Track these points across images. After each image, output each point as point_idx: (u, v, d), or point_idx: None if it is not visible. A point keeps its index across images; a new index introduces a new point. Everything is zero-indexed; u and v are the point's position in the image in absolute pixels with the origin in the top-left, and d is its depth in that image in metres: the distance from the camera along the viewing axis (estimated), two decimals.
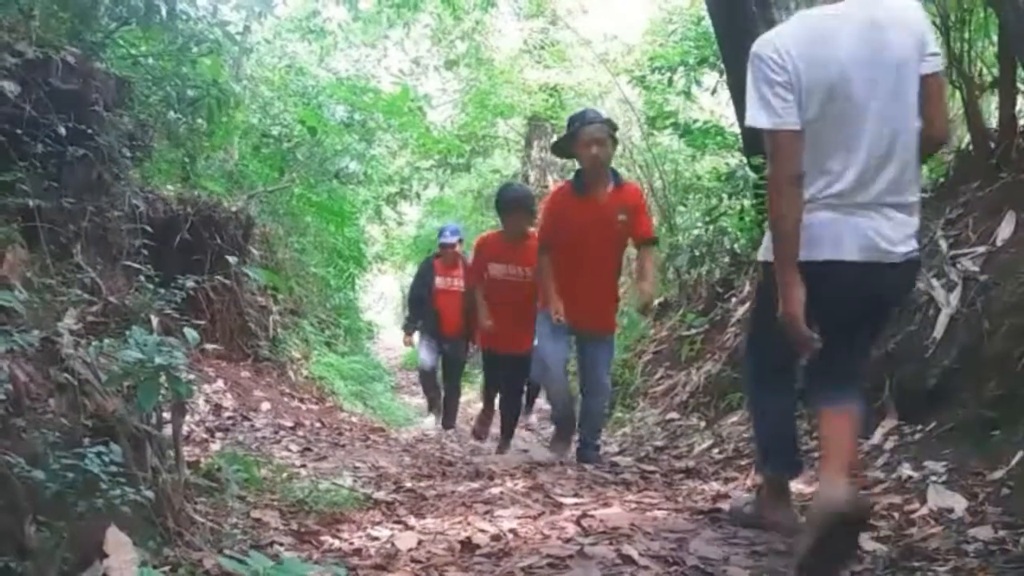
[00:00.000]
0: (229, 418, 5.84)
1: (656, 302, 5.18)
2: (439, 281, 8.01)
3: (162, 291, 3.52)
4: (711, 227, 7.77)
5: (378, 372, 11.96)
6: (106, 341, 2.50)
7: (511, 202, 5.79)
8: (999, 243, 4.03)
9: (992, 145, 4.66)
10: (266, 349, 7.29)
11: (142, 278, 3.52)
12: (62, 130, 3.60)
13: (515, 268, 5.77)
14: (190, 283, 3.33)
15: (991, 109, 5.12)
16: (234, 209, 6.90)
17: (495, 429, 6.67)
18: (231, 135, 7.31)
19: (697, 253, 7.90)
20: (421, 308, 8.09)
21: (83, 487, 2.04)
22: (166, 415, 2.75)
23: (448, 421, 8.03)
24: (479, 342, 6.10)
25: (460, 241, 8.11)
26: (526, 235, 5.70)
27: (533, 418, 8.23)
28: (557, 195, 5.26)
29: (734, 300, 6.74)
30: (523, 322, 5.55)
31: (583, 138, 4.82)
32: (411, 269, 22.87)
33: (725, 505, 3.46)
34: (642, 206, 5.22)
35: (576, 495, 3.86)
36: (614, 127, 5.06)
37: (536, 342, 5.21)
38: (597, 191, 4.91)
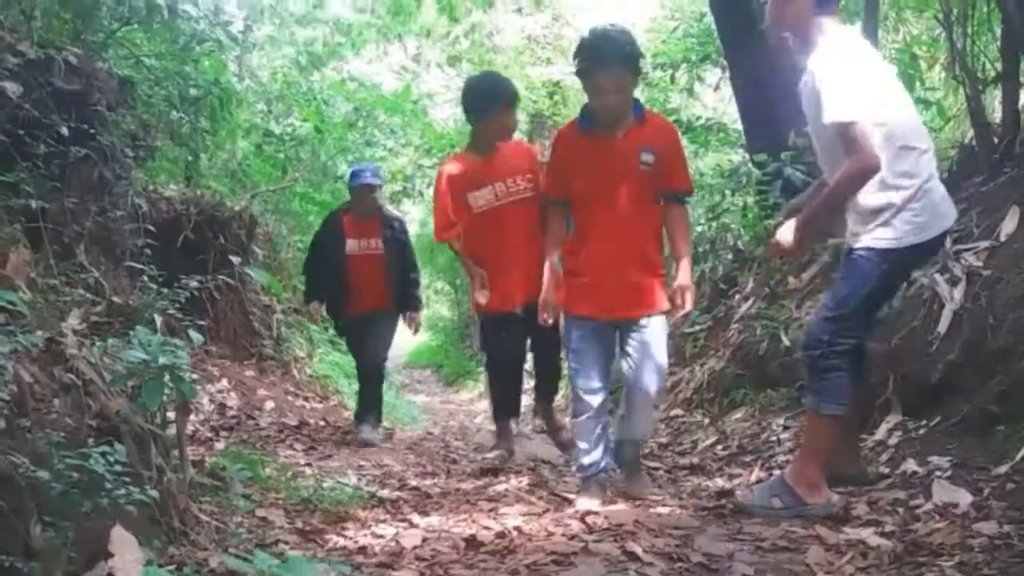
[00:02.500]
0: (233, 417, 5.86)
1: (689, 297, 3.73)
2: (352, 245, 5.92)
3: (166, 291, 3.52)
4: (714, 224, 7.74)
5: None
6: (110, 341, 2.50)
7: (490, 96, 4.43)
8: (1003, 238, 4.02)
9: (995, 140, 4.66)
10: (270, 348, 7.31)
11: (145, 278, 3.52)
12: (64, 130, 3.60)
13: (503, 185, 4.39)
14: (194, 283, 3.34)
15: (994, 104, 5.11)
16: (237, 208, 6.91)
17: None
18: (234, 134, 7.31)
19: (700, 250, 7.86)
20: (324, 281, 6.02)
21: (88, 487, 2.05)
22: (170, 414, 2.76)
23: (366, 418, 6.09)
24: (486, 306, 4.48)
25: (380, 187, 6.27)
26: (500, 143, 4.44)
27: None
28: (560, 135, 4.06)
29: (737, 297, 6.72)
30: (536, 260, 4.06)
31: (594, 82, 3.71)
32: None
33: (738, 492, 3.49)
34: (675, 145, 3.89)
35: (578, 490, 3.86)
36: (637, 60, 3.76)
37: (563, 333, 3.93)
38: (610, 126, 3.73)
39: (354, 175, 6.10)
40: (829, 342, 3.08)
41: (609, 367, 3.85)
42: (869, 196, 3.03)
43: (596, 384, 3.74)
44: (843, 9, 3.58)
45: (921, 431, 3.76)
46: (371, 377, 6.30)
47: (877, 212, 3.03)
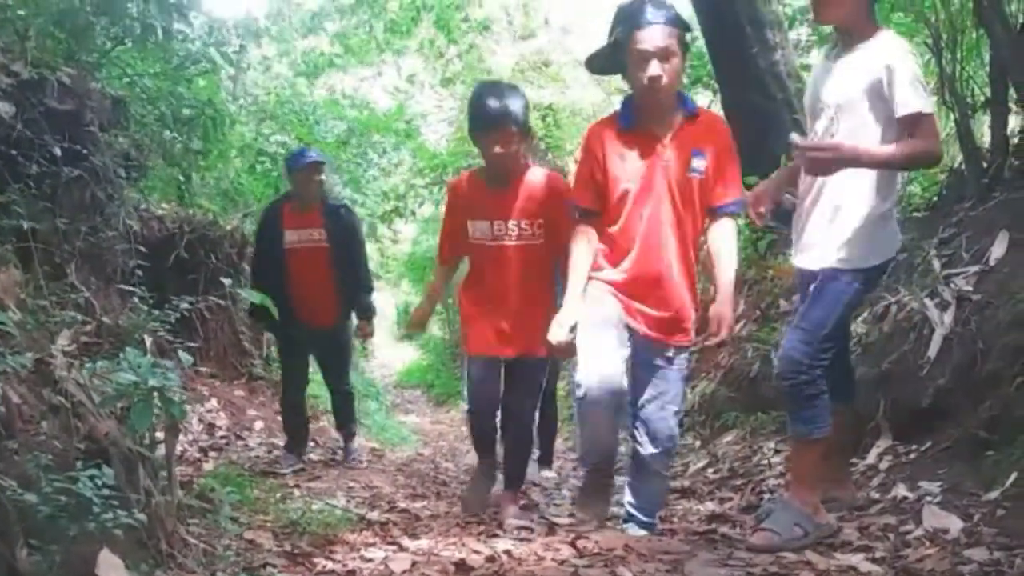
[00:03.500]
0: (222, 437, 5.82)
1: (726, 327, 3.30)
2: (291, 236, 5.14)
3: (156, 312, 3.51)
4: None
5: (372, 391, 11.93)
6: (99, 363, 2.49)
7: (486, 117, 3.66)
8: (992, 262, 4.04)
9: (985, 165, 4.69)
10: (260, 368, 7.28)
11: (136, 299, 3.52)
12: (57, 151, 3.60)
13: (503, 225, 3.74)
14: (184, 305, 3.33)
15: (983, 129, 5.15)
16: (228, 227, 6.90)
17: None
18: (226, 155, 7.31)
19: None
20: (267, 284, 4.76)
21: (76, 510, 2.03)
22: (159, 434, 2.75)
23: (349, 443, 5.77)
24: (468, 348, 3.98)
25: (324, 168, 5.35)
26: (515, 172, 3.77)
27: (546, 473, 5.42)
28: (596, 132, 3.40)
29: (740, 325, 6.75)
30: (531, 308, 3.72)
31: (636, 47, 3.11)
32: (406, 287, 22.90)
33: (723, 527, 3.47)
34: (729, 150, 3.35)
35: (571, 515, 3.85)
36: (686, 27, 3.26)
37: (577, 339, 3.34)
38: (656, 123, 3.24)
39: (296, 156, 5.29)
40: (809, 365, 3.05)
41: (623, 370, 3.35)
42: (875, 202, 3.06)
43: (605, 378, 3.23)
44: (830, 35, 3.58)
45: (912, 455, 3.76)
46: (338, 397, 5.76)
47: (877, 220, 3.07)
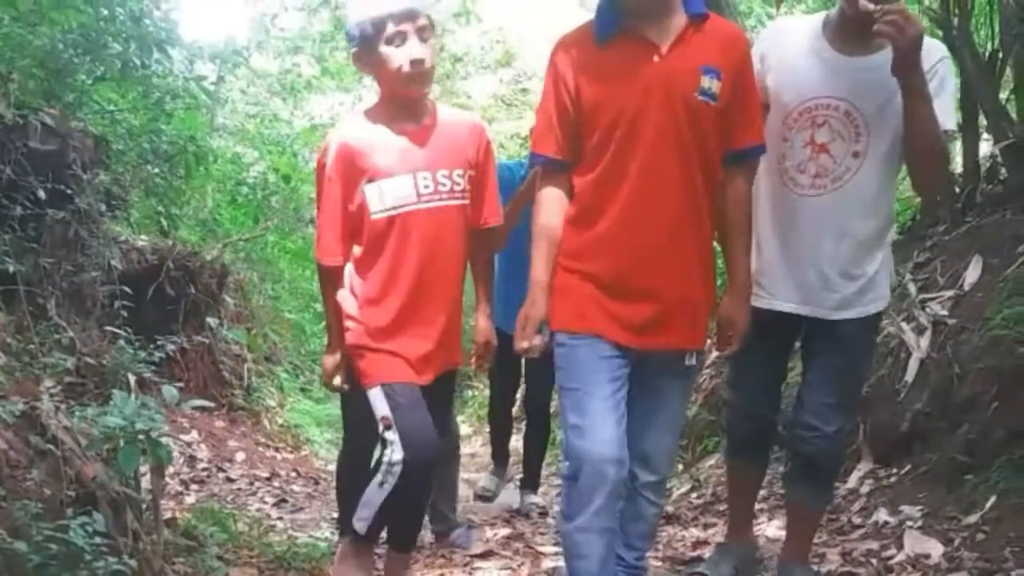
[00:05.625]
0: (204, 469, 5.78)
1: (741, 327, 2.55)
2: None
3: (140, 352, 3.51)
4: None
5: None
6: (88, 410, 2.49)
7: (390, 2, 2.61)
8: (966, 287, 4.11)
9: (957, 190, 4.77)
10: (240, 398, 7.24)
11: (122, 342, 3.51)
12: (41, 193, 3.61)
13: (430, 177, 2.72)
14: (170, 346, 3.33)
15: (955, 155, 5.24)
16: (208, 258, 6.89)
17: None
18: (206, 185, 7.32)
19: None
20: None
21: (67, 559, 2.03)
22: (143, 468, 2.74)
23: None
24: (373, 379, 2.78)
25: None
26: (428, 105, 2.81)
27: (532, 499, 4.84)
28: (564, 49, 2.43)
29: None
30: (456, 301, 2.88)
31: None
32: None
33: (706, 552, 3.48)
34: (749, 70, 2.47)
35: (556, 544, 3.86)
36: None
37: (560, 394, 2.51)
38: (650, 26, 2.34)
39: None
40: (849, 431, 2.97)
41: (623, 431, 2.37)
42: (886, 228, 2.77)
43: (607, 447, 2.30)
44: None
45: (892, 479, 3.80)
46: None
47: (880, 254, 2.73)
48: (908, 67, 2.37)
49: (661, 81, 2.31)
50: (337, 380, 2.91)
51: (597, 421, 2.32)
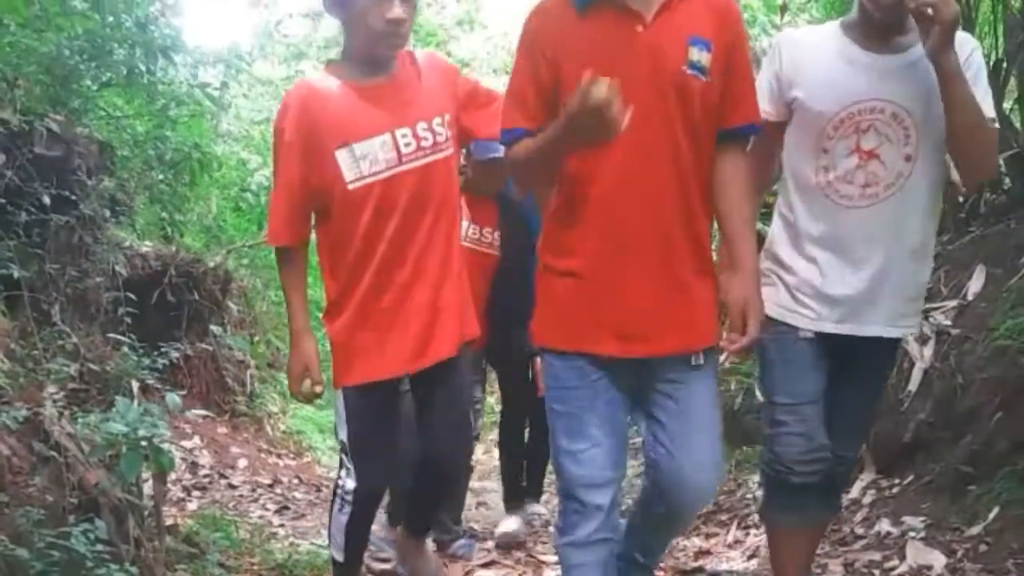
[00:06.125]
0: (206, 476, 5.78)
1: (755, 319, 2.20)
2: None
3: (143, 359, 3.52)
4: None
5: None
6: (91, 416, 2.50)
7: None
8: (970, 297, 4.10)
9: (960, 200, 4.77)
10: (243, 404, 7.24)
11: (126, 348, 3.53)
12: (46, 199, 3.62)
13: (409, 133, 2.50)
14: (174, 352, 3.34)
15: None
16: (212, 264, 6.90)
17: None
18: (210, 191, 7.34)
19: None
20: None
21: (68, 566, 2.03)
22: (145, 475, 2.75)
23: None
24: (347, 378, 2.64)
25: None
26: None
27: (535, 508, 4.51)
28: (538, 19, 2.19)
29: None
30: (452, 274, 2.62)
31: None
32: None
33: (708, 563, 3.48)
34: (743, 43, 2.28)
35: (557, 552, 3.85)
36: None
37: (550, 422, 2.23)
38: None
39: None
40: None
41: (624, 442, 2.22)
42: (935, 233, 2.62)
43: (602, 472, 2.13)
44: None
45: (895, 490, 3.79)
46: None
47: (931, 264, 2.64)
48: (946, 46, 2.22)
49: (646, 54, 2.08)
50: (306, 385, 2.56)
51: (590, 446, 2.13)
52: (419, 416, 2.74)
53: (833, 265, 2.46)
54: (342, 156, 2.43)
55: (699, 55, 2.11)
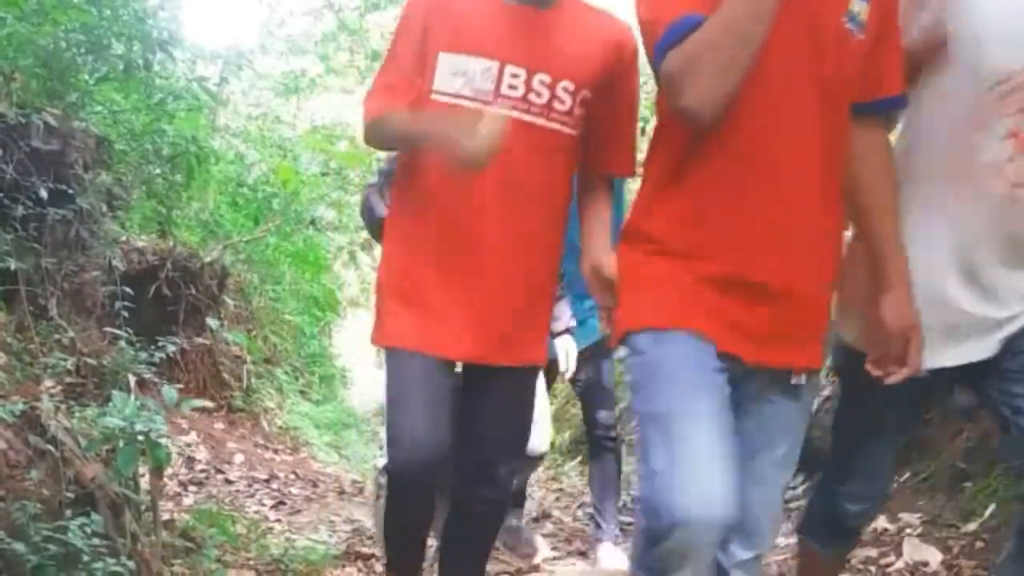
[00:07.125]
0: (202, 471, 5.78)
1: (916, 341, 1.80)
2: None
3: (140, 353, 3.52)
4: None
5: (352, 420, 11.87)
6: (88, 410, 2.50)
7: None
8: None
9: None
10: (240, 399, 7.24)
11: (123, 343, 3.52)
12: (43, 192, 3.61)
13: (525, 77, 2.09)
14: (170, 347, 3.34)
15: None
16: (209, 259, 6.89)
17: None
18: (207, 186, 7.33)
19: None
20: None
21: (65, 560, 2.03)
22: (142, 470, 2.74)
23: None
24: (387, 339, 2.23)
25: None
26: None
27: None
28: None
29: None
30: (534, 270, 2.21)
31: None
32: None
33: None
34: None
35: (554, 548, 3.86)
36: None
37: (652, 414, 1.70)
38: None
39: None
40: None
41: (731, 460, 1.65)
42: None
43: (711, 510, 1.57)
44: None
45: (892, 486, 3.80)
46: None
47: None
48: None
49: (802, 8, 1.63)
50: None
51: (697, 465, 1.59)
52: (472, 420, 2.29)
53: (970, 282, 1.89)
54: (443, 61, 2.08)
55: (860, 6, 1.69)
